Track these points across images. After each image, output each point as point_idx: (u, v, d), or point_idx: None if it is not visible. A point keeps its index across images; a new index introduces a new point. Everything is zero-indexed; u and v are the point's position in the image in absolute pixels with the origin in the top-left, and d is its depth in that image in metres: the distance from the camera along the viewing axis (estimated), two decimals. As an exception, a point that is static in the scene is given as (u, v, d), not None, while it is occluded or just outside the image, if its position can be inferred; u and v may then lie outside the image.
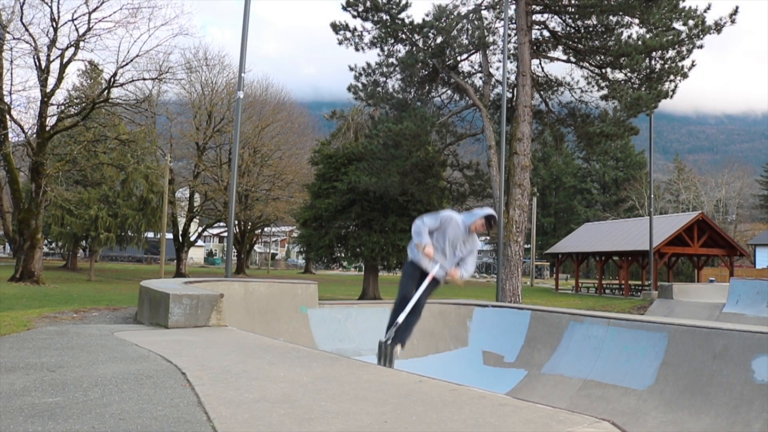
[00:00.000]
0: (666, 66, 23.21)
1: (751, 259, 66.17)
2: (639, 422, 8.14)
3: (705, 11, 22.38)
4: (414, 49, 25.40)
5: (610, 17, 24.08)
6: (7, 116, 28.61)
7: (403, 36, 25.41)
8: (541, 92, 27.45)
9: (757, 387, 7.51)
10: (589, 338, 10.11)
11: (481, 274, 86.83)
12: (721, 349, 8.14)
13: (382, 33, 25.46)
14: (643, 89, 23.24)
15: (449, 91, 28.24)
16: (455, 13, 25.45)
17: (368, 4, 24.75)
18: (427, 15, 25.20)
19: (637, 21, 23.52)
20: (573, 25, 25.56)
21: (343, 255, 31.52)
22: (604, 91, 25.01)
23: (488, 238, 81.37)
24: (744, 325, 10.30)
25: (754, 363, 7.68)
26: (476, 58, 27.01)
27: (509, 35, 24.45)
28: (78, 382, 4.64)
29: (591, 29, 25.09)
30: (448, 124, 27.53)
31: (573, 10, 24.60)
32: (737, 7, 22.17)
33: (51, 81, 29.49)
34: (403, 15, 24.90)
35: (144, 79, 31.51)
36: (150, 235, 47.29)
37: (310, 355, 6.36)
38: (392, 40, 25.73)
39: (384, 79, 26.56)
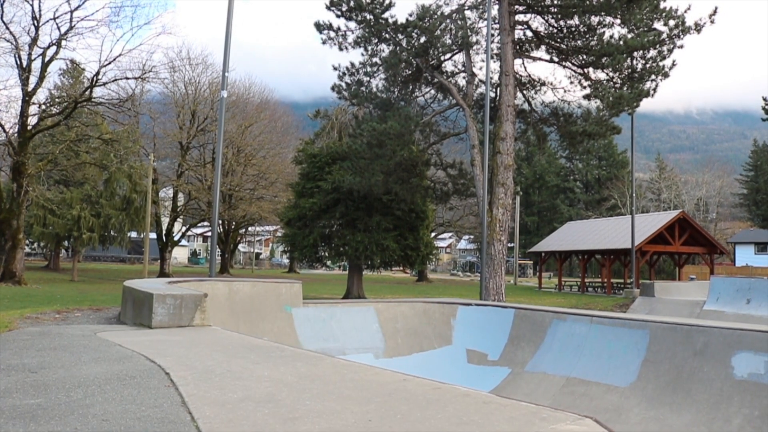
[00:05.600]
0: (647, 65, 23.40)
1: (731, 257, 66.91)
2: (621, 419, 8.21)
3: (685, 11, 22.61)
4: (397, 48, 25.42)
5: (592, 17, 24.24)
6: (-13, 115, 28.34)
7: (387, 36, 25.42)
8: (524, 92, 27.58)
9: (736, 383, 7.60)
10: (572, 336, 10.19)
11: (464, 272, 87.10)
12: (701, 346, 8.24)
13: (365, 33, 25.45)
14: (624, 88, 23.43)
15: (433, 91, 28.30)
16: (439, 13, 25.49)
17: (352, 3, 24.74)
18: (410, 15, 25.21)
19: (618, 21, 23.70)
20: (555, 25, 25.70)
21: (327, 254, 31.43)
22: (587, 91, 25.18)
23: (472, 236, 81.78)
24: (724, 322, 10.42)
25: (733, 359, 7.78)
26: (459, 57, 27.11)
27: (492, 35, 24.53)
28: (60, 383, 4.62)
29: (573, 29, 25.24)
30: (432, 123, 27.59)
31: (555, 10, 24.74)
32: (716, 8, 22.42)
33: (32, 80, 29.24)
34: (386, 15, 24.93)
35: (127, 78, 31.29)
36: (133, 234, 46.95)
37: (295, 354, 6.37)
38: (376, 40, 25.73)
39: (368, 78, 26.56)
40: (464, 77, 26.75)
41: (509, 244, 36.13)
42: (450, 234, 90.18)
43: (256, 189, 51.87)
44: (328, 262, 35.80)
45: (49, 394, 4.27)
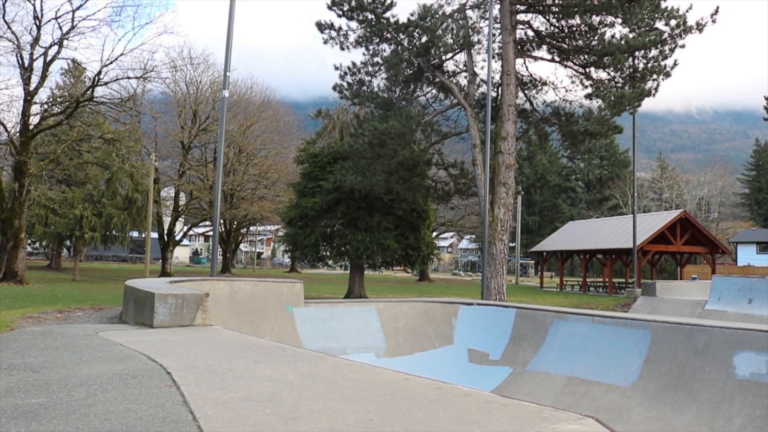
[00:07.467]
0: (649, 65, 23.38)
1: (732, 257, 66.88)
2: (623, 419, 8.21)
3: (687, 11, 22.58)
4: (399, 48, 25.42)
5: (593, 17, 24.22)
6: (-10, 115, 28.37)
7: (388, 35, 25.42)
8: (526, 91, 27.58)
9: (738, 383, 7.60)
10: (574, 336, 10.19)
11: (466, 272, 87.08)
12: (703, 345, 8.23)
13: (367, 32, 25.44)
14: (626, 88, 23.41)
15: (434, 90, 28.30)
16: (440, 12, 25.49)
17: (353, 3, 24.74)
18: (412, 14, 25.21)
19: (619, 21, 23.68)
20: (557, 24, 25.69)
21: (328, 254, 31.45)
22: (588, 90, 25.17)
23: (473, 236, 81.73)
24: (725, 321, 10.41)
25: (735, 359, 7.77)
26: (461, 57, 27.09)
27: (494, 35, 24.52)
28: (62, 382, 4.62)
29: (574, 29, 25.23)
30: (433, 123, 27.58)
31: (556, 9, 24.72)
32: (718, 7, 22.39)
33: (34, 79, 29.27)
34: (388, 14, 24.93)
35: (128, 77, 31.33)
36: (135, 234, 47.00)
37: (296, 354, 6.37)
38: (377, 40, 25.73)
39: (369, 78, 26.57)
40: (465, 77, 26.75)
41: (511, 244, 36.12)
42: (451, 234, 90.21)
43: (257, 189, 51.92)
44: (330, 262, 35.78)
45: (50, 393, 4.28)
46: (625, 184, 73.12)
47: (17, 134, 29.62)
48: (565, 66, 26.10)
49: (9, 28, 27.83)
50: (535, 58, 26.36)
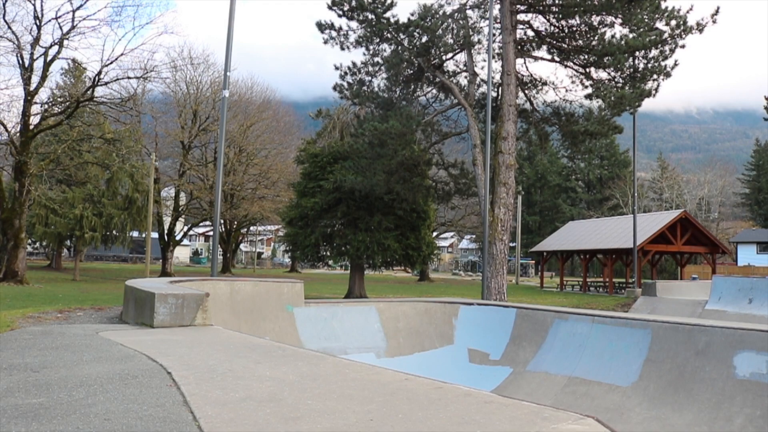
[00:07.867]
0: (649, 65, 23.38)
1: (733, 257, 66.86)
2: (623, 418, 8.21)
3: (687, 12, 22.59)
4: (399, 48, 25.42)
5: (593, 17, 24.23)
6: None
7: (389, 35, 25.42)
8: (526, 91, 27.58)
9: (738, 382, 7.60)
10: (574, 335, 10.19)
11: (466, 272, 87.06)
12: (703, 345, 8.23)
13: (367, 32, 25.44)
14: (626, 88, 23.41)
15: (434, 90, 28.31)
16: (440, 12, 25.50)
17: (354, 3, 24.74)
18: (412, 14, 25.22)
19: (619, 21, 23.69)
20: (557, 24, 25.70)
21: (328, 254, 31.45)
22: (588, 90, 25.17)
23: (474, 236, 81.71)
24: (726, 321, 10.41)
25: (735, 359, 7.77)
26: (461, 57, 27.10)
27: (494, 35, 24.51)
28: (62, 382, 4.62)
29: (575, 29, 25.24)
30: (434, 123, 27.59)
31: (556, 9, 24.73)
32: (718, 8, 22.40)
33: (34, 79, 29.27)
34: (388, 14, 24.92)
35: (129, 77, 31.33)
36: (135, 234, 47.01)
37: (296, 353, 6.36)
38: (377, 40, 25.73)
39: (369, 78, 26.58)
40: (466, 77, 26.75)
41: (511, 244, 36.12)
42: (452, 233, 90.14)
43: (257, 188, 51.92)
44: (330, 262, 35.76)
45: (51, 393, 4.28)
46: (626, 184, 73.15)
47: (17, 134, 29.62)
48: (565, 66, 26.11)
49: (9, 28, 27.85)
50: (535, 58, 26.37)
